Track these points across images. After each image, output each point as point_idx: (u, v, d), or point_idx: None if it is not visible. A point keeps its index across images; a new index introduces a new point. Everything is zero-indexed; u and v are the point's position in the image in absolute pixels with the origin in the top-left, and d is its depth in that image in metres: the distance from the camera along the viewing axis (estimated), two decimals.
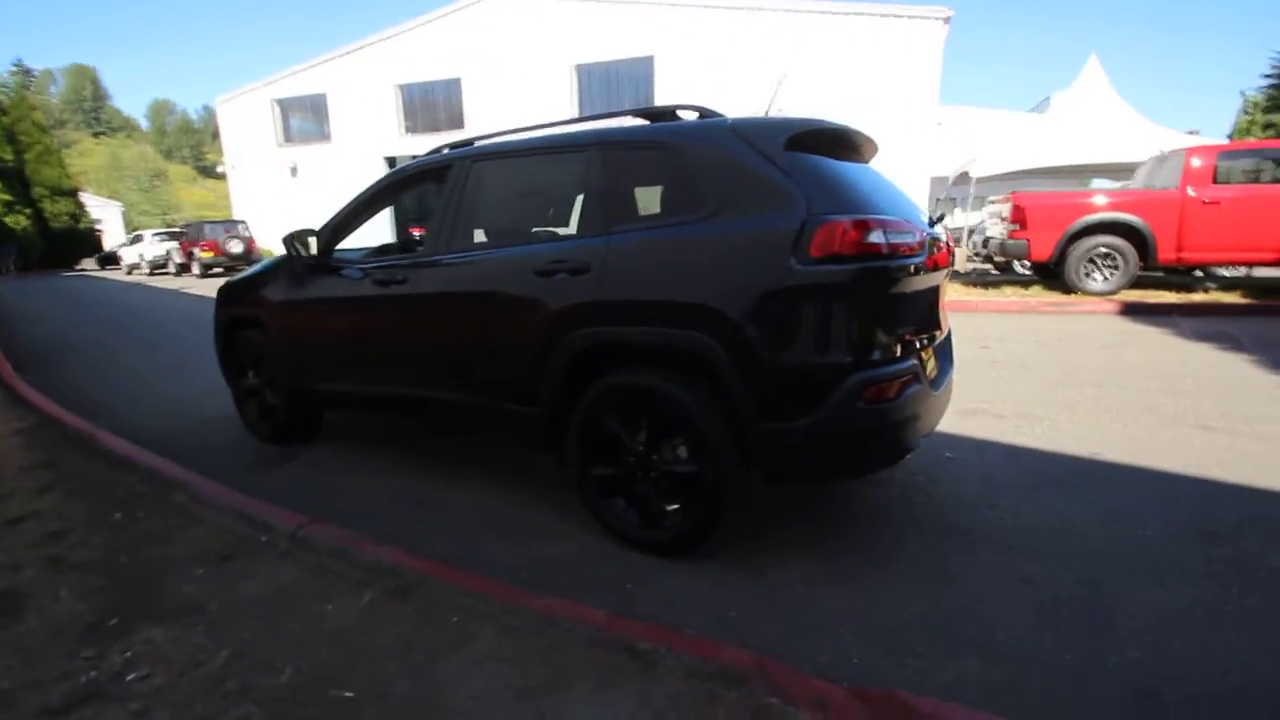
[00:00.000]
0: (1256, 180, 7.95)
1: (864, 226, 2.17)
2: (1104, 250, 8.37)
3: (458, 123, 20.05)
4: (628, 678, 1.78)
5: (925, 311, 2.59)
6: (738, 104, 15.54)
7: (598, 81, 18.25)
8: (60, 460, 3.81)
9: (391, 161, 21.60)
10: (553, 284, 2.65)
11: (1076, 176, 14.80)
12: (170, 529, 2.85)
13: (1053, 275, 9.22)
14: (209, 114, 78.21)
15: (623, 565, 2.53)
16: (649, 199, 2.83)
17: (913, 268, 2.32)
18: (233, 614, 2.20)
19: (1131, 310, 7.76)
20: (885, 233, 2.21)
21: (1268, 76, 26.38)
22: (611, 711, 1.67)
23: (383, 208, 3.64)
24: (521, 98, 18.78)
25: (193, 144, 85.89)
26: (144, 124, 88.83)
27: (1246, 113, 27.06)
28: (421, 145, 20.97)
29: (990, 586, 2.34)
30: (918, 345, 2.48)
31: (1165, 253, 8.20)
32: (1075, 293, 8.51)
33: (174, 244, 21.03)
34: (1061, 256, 8.54)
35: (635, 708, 1.68)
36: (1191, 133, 16.23)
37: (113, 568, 2.56)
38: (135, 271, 22.36)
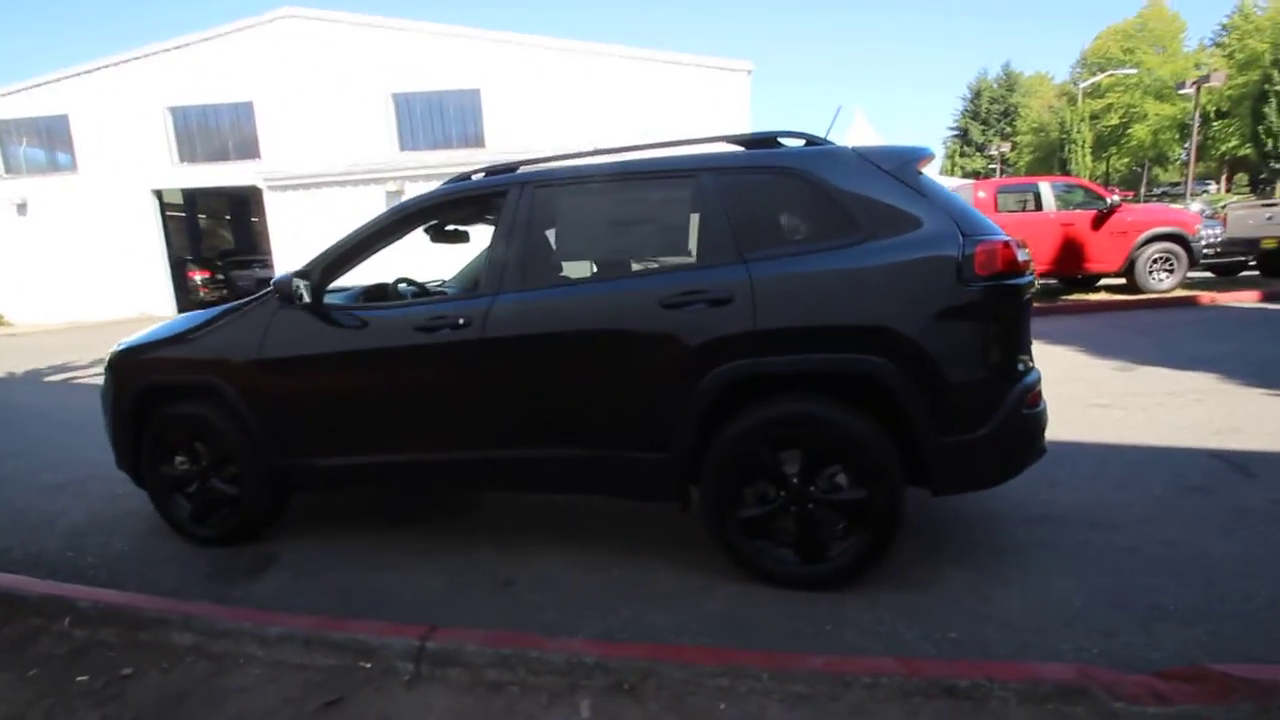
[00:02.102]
0: (1024, 208, 10.05)
1: (1013, 246, 2.36)
2: None
3: (250, 151, 17.52)
4: (974, 717, 1.69)
5: None
6: (567, 139, 15.79)
7: (420, 111, 17.22)
8: None
9: (160, 195, 18.16)
10: (686, 316, 2.46)
11: None
12: (204, 683, 2.07)
13: None
14: None
15: (796, 606, 2.40)
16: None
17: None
18: None
19: None
20: (1022, 250, 2.42)
21: (951, 129, 33.94)
22: None
23: (396, 239, 3.07)
24: (331, 125, 17.02)
25: None
26: None
27: (949, 157, 34.17)
28: (202, 176, 18.00)
29: (1113, 561, 2.62)
30: None
31: None
32: None
33: None
34: None
35: None
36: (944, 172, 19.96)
37: None
38: None
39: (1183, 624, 2.20)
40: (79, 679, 2.13)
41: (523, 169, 2.94)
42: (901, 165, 2.46)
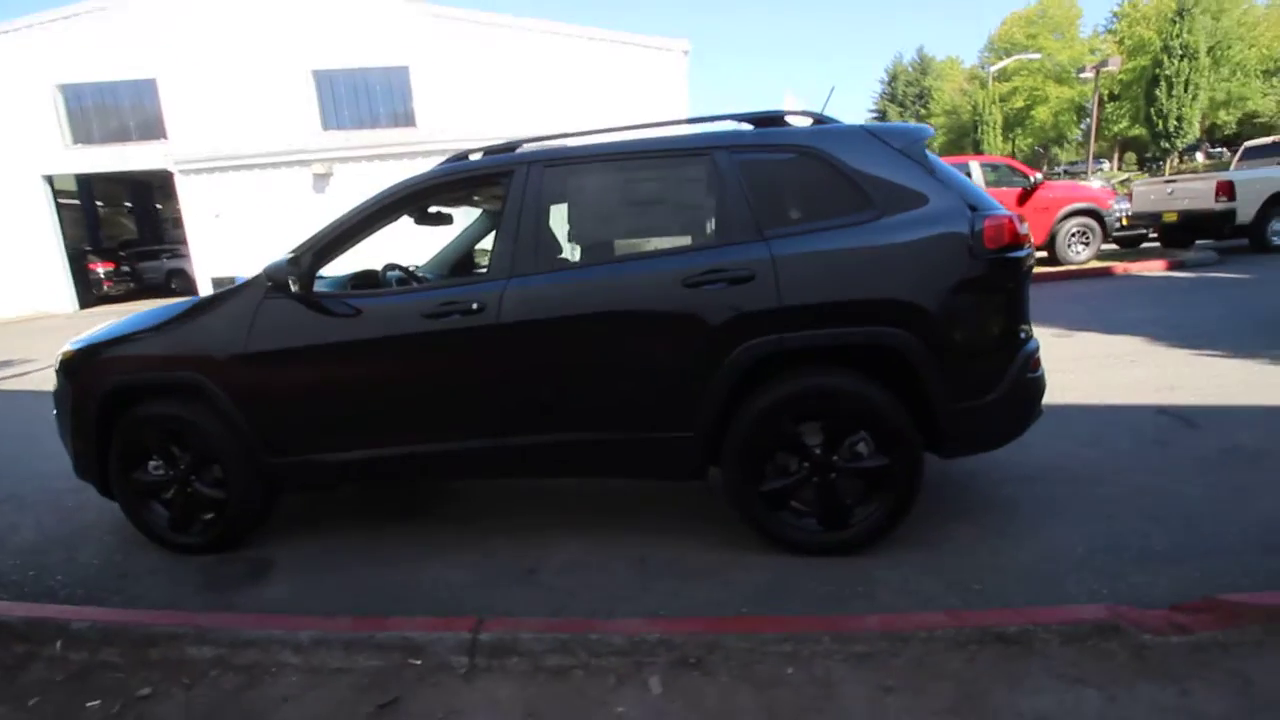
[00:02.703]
0: (997, 184, 10.54)
1: (1016, 221, 2.48)
2: None
3: (154, 131, 16.15)
4: (1027, 660, 1.81)
5: None
6: (503, 120, 15.39)
7: (345, 89, 16.31)
8: None
9: (51, 181, 16.51)
10: (707, 295, 2.47)
11: None
12: (237, 696, 1.95)
13: None
14: None
15: (825, 573, 2.48)
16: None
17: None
18: None
19: None
20: (1023, 224, 2.55)
21: (871, 112, 35.01)
22: (1055, 695, 1.70)
23: (390, 222, 2.92)
24: (246, 104, 15.88)
25: None
26: None
27: None
28: (99, 160, 16.46)
29: (1099, 511, 2.84)
30: None
31: None
32: None
33: None
34: None
35: (1063, 683, 1.73)
36: None
37: None
38: None
39: (1174, 563, 2.41)
40: (89, 704, 1.97)
41: (523, 148, 2.85)
42: (910, 143, 2.54)
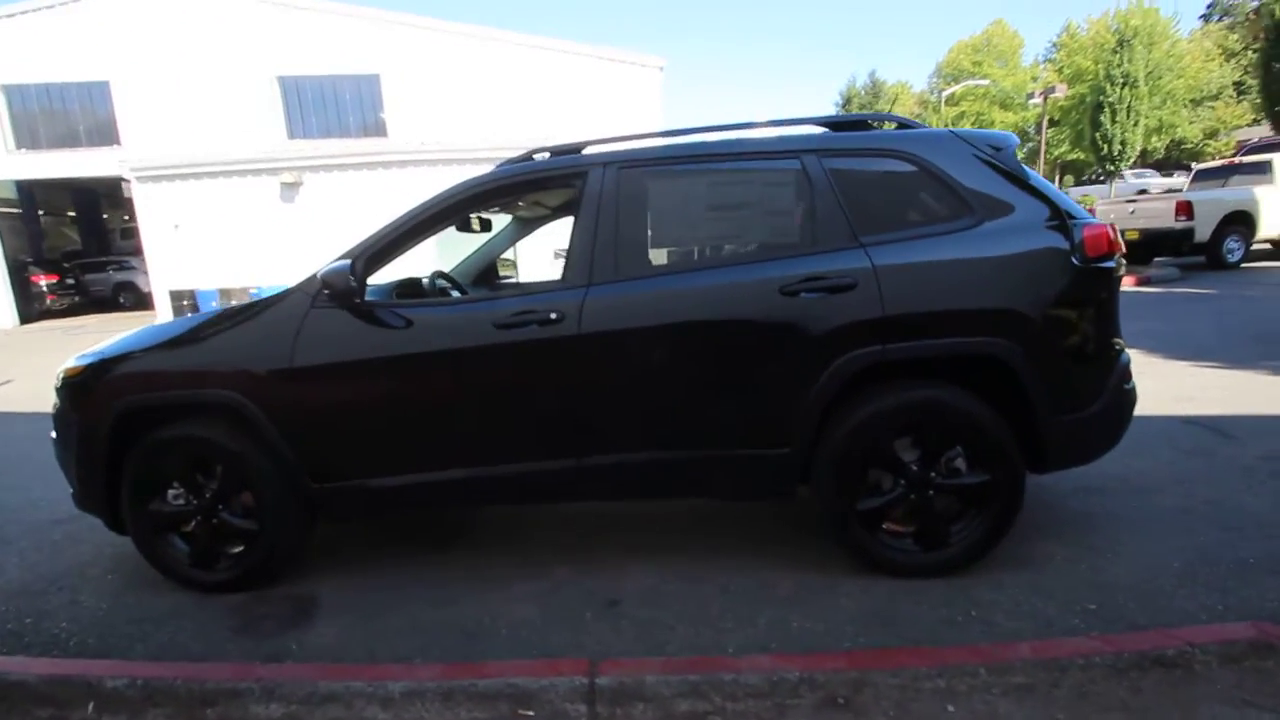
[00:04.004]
0: None
1: (1111, 230, 2.45)
2: None
3: (107, 137, 15.27)
4: (1191, 685, 1.72)
5: None
6: (479, 130, 15.15)
7: (312, 97, 15.77)
8: None
9: None
10: (806, 304, 2.35)
11: None
12: None
13: None
14: None
15: (927, 596, 2.36)
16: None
17: None
18: None
19: None
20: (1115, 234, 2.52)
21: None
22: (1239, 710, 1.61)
23: (446, 226, 2.71)
24: (206, 109, 15.18)
25: None
26: None
27: None
28: (45, 165, 15.47)
29: (1175, 523, 2.81)
30: None
31: None
32: None
33: None
34: None
35: (1233, 707, 1.64)
36: None
37: None
38: None
39: (1272, 573, 2.38)
40: None
41: (590, 149, 2.70)
42: (1002, 150, 2.49)
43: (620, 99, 16.72)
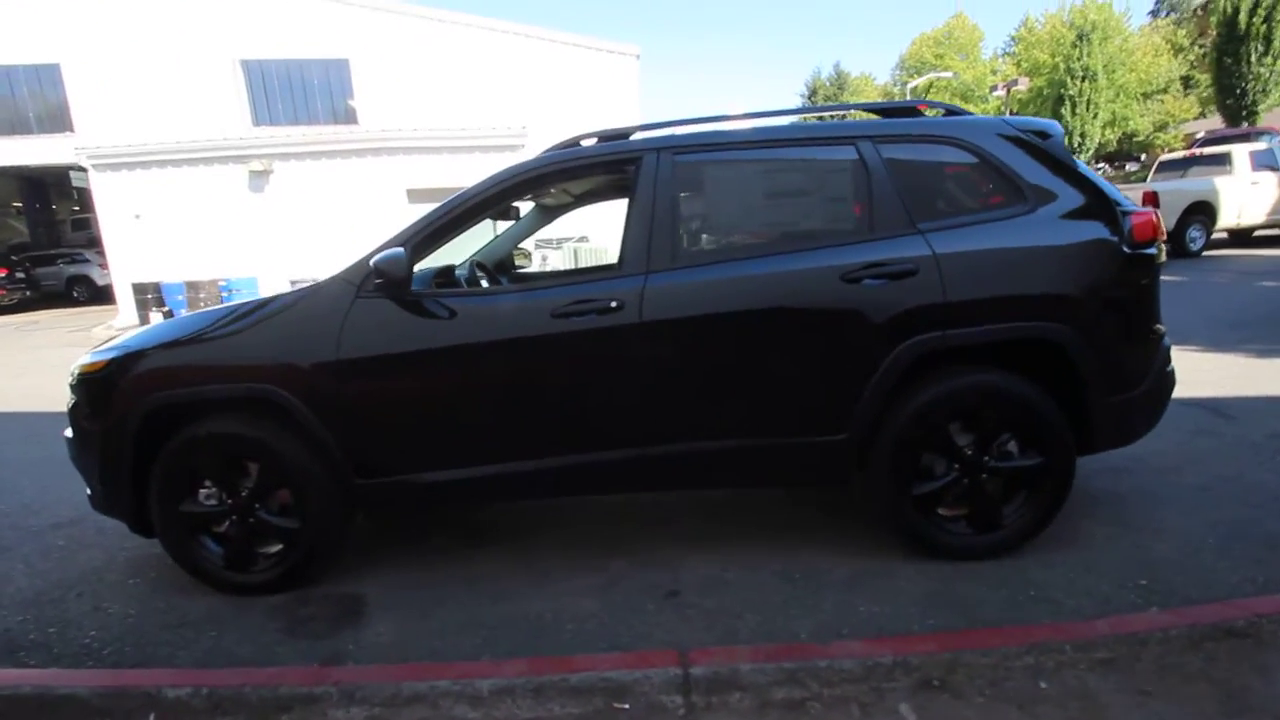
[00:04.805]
0: None
1: (1155, 216, 2.51)
2: None
3: (59, 123, 14.48)
4: (1262, 652, 1.79)
5: None
6: (452, 117, 14.85)
7: (278, 81, 15.20)
8: None
9: None
10: (868, 291, 2.35)
11: None
12: None
13: None
14: None
15: (984, 577, 2.41)
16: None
17: None
18: None
19: None
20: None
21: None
22: None
23: (492, 213, 2.64)
24: (165, 94, 14.50)
25: None
26: None
27: None
28: None
29: (1202, 499, 2.92)
30: None
31: None
32: None
33: None
34: None
35: None
36: None
37: None
38: None
39: None
40: None
41: (638, 134, 2.65)
42: (1052, 137, 2.53)
43: (597, 88, 16.55)
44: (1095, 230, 2.41)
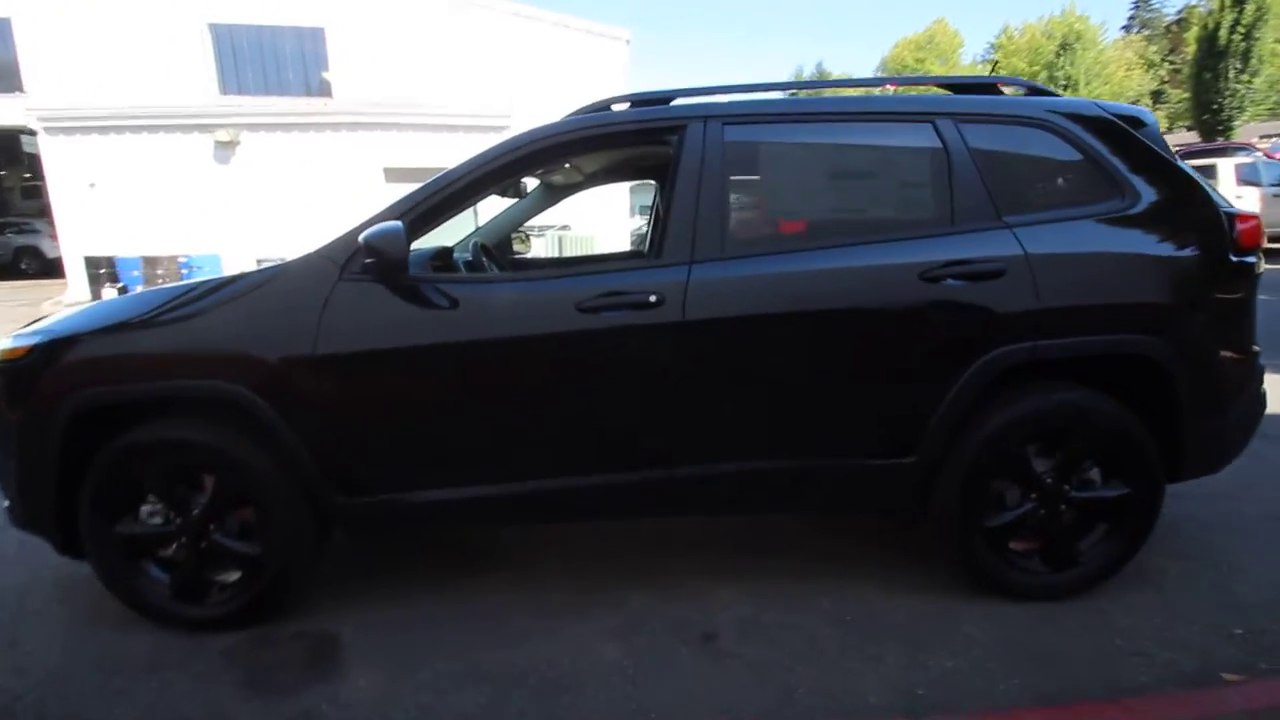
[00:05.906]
0: None
1: (1258, 220, 2.23)
2: None
3: (8, 82, 13.45)
4: None
5: None
6: (433, 95, 14.24)
7: (248, 47, 14.33)
8: None
9: None
10: (948, 292, 2.02)
11: None
12: None
13: None
14: None
15: (1061, 623, 2.11)
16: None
17: None
18: None
19: None
20: None
21: None
22: None
23: (502, 186, 2.25)
24: (125, 55, 13.52)
25: None
26: None
27: None
28: None
29: (1270, 532, 2.68)
30: None
31: None
32: None
33: None
34: None
35: None
36: None
37: None
38: None
39: None
40: None
41: (679, 100, 2.27)
42: (1149, 127, 2.23)
43: (586, 70, 15.99)
44: (1199, 234, 2.12)
